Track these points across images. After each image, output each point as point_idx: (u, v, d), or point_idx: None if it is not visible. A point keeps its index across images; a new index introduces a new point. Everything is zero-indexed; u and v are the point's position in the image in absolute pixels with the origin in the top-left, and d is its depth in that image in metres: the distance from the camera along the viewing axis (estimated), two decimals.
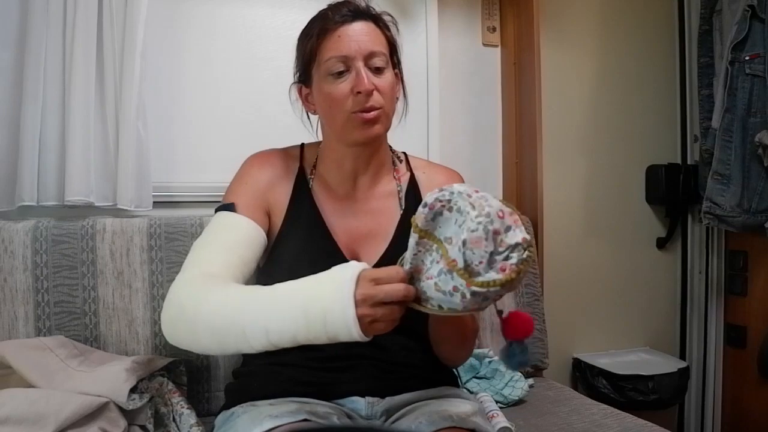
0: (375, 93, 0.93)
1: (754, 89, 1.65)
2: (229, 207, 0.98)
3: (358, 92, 0.92)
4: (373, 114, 0.93)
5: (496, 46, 1.78)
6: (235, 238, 0.95)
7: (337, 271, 0.75)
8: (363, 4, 0.99)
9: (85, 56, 1.23)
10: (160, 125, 1.40)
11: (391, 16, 1.02)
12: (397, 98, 1.03)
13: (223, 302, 0.80)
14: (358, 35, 0.94)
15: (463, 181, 1.13)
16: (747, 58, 1.64)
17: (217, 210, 1.00)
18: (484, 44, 1.77)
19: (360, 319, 0.70)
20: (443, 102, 1.68)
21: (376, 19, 0.99)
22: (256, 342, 0.77)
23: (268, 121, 1.45)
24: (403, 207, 1.05)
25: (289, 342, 0.76)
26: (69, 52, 1.23)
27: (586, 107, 1.89)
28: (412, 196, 1.06)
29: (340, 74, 0.94)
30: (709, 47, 1.82)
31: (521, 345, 0.78)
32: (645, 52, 1.96)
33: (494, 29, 1.77)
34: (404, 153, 1.14)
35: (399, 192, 1.06)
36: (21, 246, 1.16)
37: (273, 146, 1.12)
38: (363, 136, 0.95)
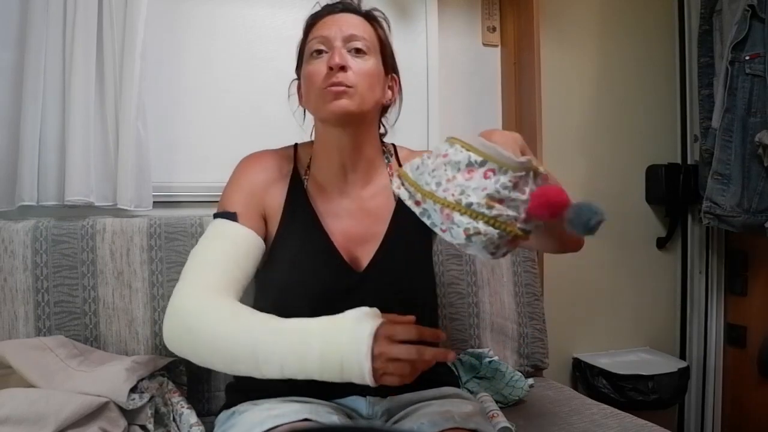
0: (349, 72, 0.94)
1: (754, 89, 1.65)
2: (229, 215, 0.98)
3: (330, 68, 0.93)
4: (340, 88, 0.93)
5: (496, 46, 1.78)
6: (238, 250, 0.96)
7: (355, 324, 0.79)
8: (355, 3, 1.03)
9: (85, 56, 1.23)
10: (160, 125, 1.40)
11: (383, 14, 1.05)
12: (392, 100, 1.06)
13: (235, 330, 0.83)
14: (341, 21, 0.98)
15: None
16: (747, 57, 1.64)
17: (216, 216, 1.00)
18: (484, 44, 1.77)
19: (374, 371, 0.76)
20: (443, 102, 1.68)
21: (367, 16, 1.02)
22: (268, 373, 0.82)
23: (268, 121, 1.45)
24: (397, 198, 1.05)
25: (302, 377, 0.81)
26: (69, 52, 1.23)
27: (586, 107, 1.89)
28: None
29: (319, 53, 0.97)
30: (709, 47, 1.82)
31: (582, 207, 0.67)
32: (645, 52, 1.96)
33: (494, 29, 1.77)
34: (393, 145, 1.14)
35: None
36: (21, 246, 1.16)
37: (274, 146, 1.12)
38: (331, 108, 0.94)
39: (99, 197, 1.28)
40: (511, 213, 0.68)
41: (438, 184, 0.70)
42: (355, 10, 1.02)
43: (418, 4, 1.66)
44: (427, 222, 0.73)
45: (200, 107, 1.45)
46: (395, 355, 0.76)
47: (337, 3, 1.02)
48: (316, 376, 0.80)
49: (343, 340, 0.78)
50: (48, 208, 1.26)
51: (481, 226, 0.67)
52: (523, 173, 0.69)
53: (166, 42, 1.41)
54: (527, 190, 0.69)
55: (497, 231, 0.67)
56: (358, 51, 0.96)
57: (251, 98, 1.48)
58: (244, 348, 0.81)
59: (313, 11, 1.04)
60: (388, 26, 1.05)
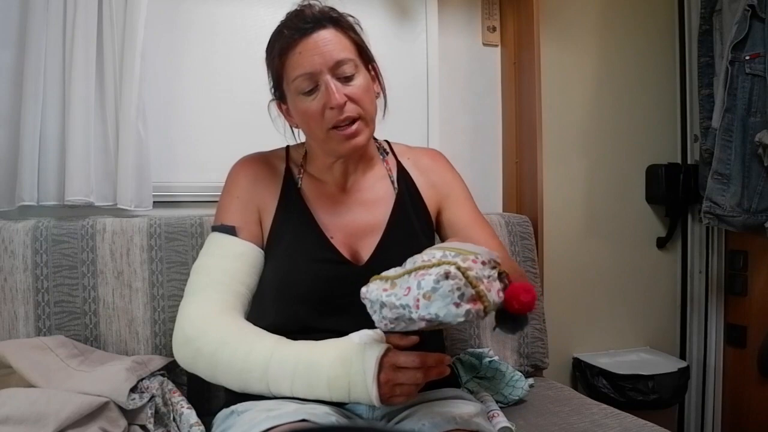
0: (348, 103, 0.92)
1: (755, 89, 1.65)
2: (229, 230, 0.99)
3: (331, 107, 0.91)
4: (352, 129, 0.93)
5: (496, 45, 1.78)
6: (241, 267, 0.98)
7: (360, 350, 0.83)
8: (317, 10, 0.94)
9: (85, 56, 1.23)
10: (160, 125, 1.40)
11: (353, 17, 0.99)
12: (378, 94, 1.02)
13: (244, 356, 0.89)
14: (320, 47, 0.91)
15: (444, 158, 1.15)
16: (747, 57, 1.64)
17: (215, 229, 1.01)
18: (484, 44, 1.77)
19: (380, 396, 0.81)
20: (443, 102, 1.68)
21: (336, 23, 0.95)
22: (278, 393, 0.88)
23: (267, 121, 1.44)
24: (397, 190, 1.05)
25: (311, 398, 0.87)
26: (69, 52, 1.23)
27: (586, 107, 1.89)
28: (403, 180, 1.07)
29: (310, 92, 0.92)
30: (709, 47, 1.82)
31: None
32: (645, 52, 1.96)
33: (494, 29, 1.77)
34: (386, 141, 1.13)
35: (391, 178, 1.07)
36: (21, 246, 1.16)
37: (274, 146, 1.12)
38: (345, 149, 0.95)
39: (99, 197, 1.28)
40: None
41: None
42: (323, 20, 0.93)
43: (418, 4, 1.66)
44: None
45: (200, 107, 1.45)
46: (401, 381, 0.81)
47: (304, 22, 0.92)
48: (325, 398, 0.86)
49: (351, 369, 0.82)
50: (48, 208, 1.26)
51: (452, 269, 0.70)
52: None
53: (166, 42, 1.41)
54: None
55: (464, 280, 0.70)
56: (347, 77, 0.93)
57: (251, 98, 1.47)
58: (254, 373, 0.88)
59: (277, 30, 0.96)
60: (360, 27, 1.00)
